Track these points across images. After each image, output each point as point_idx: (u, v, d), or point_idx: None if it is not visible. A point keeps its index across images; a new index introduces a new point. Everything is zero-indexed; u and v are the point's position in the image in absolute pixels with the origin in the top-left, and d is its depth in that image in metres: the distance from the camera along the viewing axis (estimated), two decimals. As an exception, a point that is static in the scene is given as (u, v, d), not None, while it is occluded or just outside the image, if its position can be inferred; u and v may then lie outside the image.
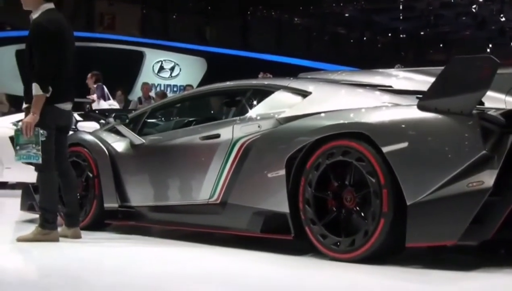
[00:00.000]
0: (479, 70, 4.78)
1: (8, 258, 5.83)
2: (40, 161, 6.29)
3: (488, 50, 40.87)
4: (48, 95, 6.24)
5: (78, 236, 6.54)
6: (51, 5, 6.49)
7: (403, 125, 5.11)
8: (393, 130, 5.10)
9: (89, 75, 15.10)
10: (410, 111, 5.16)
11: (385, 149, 5.01)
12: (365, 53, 38.99)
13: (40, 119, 6.25)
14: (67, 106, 6.49)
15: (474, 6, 32.98)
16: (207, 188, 6.25)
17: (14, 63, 22.68)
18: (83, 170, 7.16)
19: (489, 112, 4.89)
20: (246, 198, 5.98)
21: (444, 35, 40.38)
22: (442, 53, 38.76)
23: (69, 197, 6.63)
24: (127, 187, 7.00)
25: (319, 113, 5.73)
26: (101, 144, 7.18)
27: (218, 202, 6.17)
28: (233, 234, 6.19)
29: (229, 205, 6.10)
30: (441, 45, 41.15)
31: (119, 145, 7.17)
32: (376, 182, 5.05)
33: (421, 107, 5.06)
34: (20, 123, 6.41)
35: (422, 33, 40.02)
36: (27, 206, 7.54)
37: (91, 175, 7.10)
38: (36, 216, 7.12)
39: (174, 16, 32.40)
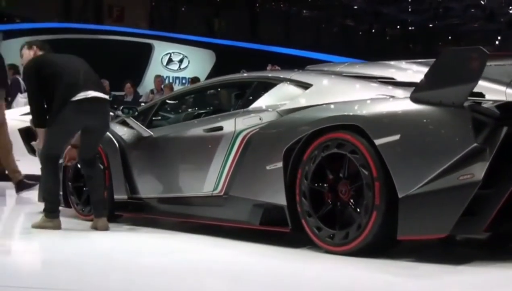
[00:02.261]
0: (469, 61, 4.75)
1: (18, 247, 6.13)
2: None
3: (497, 42, 40.80)
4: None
5: (105, 227, 6.72)
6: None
7: (395, 118, 5.10)
8: (385, 123, 5.10)
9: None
10: (403, 104, 5.14)
11: (377, 141, 5.01)
12: (374, 46, 38.89)
13: (55, 112, 6.65)
14: (86, 94, 6.64)
15: (483, -2, 32.85)
16: (211, 180, 6.29)
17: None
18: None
19: (482, 104, 4.88)
20: (246, 190, 6.02)
21: (453, 27, 40.23)
22: (451, 45, 38.58)
23: (93, 189, 6.84)
24: (136, 178, 7.08)
25: (317, 105, 5.75)
26: (111, 137, 7.26)
27: (221, 194, 6.21)
28: (235, 226, 6.20)
29: (231, 197, 6.14)
30: (449, 37, 41.03)
31: (129, 137, 7.26)
32: (368, 175, 5.05)
33: (413, 99, 5.05)
34: None
35: (430, 25, 39.90)
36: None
37: (102, 167, 7.17)
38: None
39: (183, 9, 32.41)
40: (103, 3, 29.01)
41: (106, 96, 6.84)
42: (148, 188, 7.00)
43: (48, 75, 6.65)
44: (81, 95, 6.56)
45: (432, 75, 5.03)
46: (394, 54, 28.60)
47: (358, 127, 5.17)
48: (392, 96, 5.48)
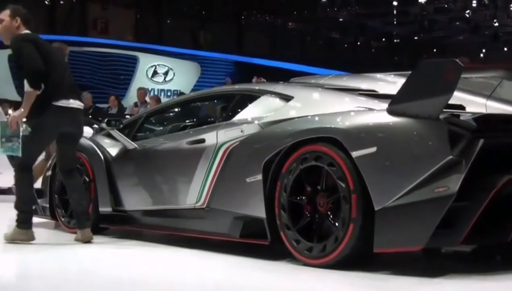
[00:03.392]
0: (444, 74, 4.76)
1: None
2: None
3: (482, 55, 41.04)
4: (39, 92, 6.39)
5: (88, 238, 6.65)
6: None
7: (372, 130, 5.09)
8: (362, 135, 5.08)
9: None
10: (380, 116, 5.13)
11: (354, 154, 4.99)
12: (359, 58, 39.04)
13: (34, 116, 6.44)
14: (68, 103, 6.59)
15: (467, 11, 33.08)
16: (194, 192, 6.27)
17: (7, 66, 22.70)
18: (81, 174, 7.20)
19: (458, 117, 4.88)
20: (227, 203, 6.00)
21: (438, 40, 40.49)
22: (436, 58, 38.79)
23: (74, 199, 6.76)
24: (120, 191, 7.07)
25: (297, 118, 5.75)
26: (97, 149, 7.26)
27: (204, 206, 6.19)
28: (217, 238, 6.20)
29: (212, 210, 6.12)
30: (435, 50, 41.24)
31: (114, 150, 7.25)
32: (345, 187, 5.04)
33: (390, 112, 5.04)
34: (8, 116, 6.51)
35: (416, 38, 40.13)
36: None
37: (87, 179, 7.16)
38: (40, 219, 7.43)
39: (168, 21, 32.43)
40: (87, 15, 29.02)
41: (82, 104, 6.81)
42: (133, 200, 6.99)
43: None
44: (64, 103, 6.52)
45: (408, 88, 5.02)
46: (380, 66, 28.65)
47: (336, 140, 5.16)
48: (371, 109, 5.47)
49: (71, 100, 6.58)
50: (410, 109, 4.90)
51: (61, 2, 28.64)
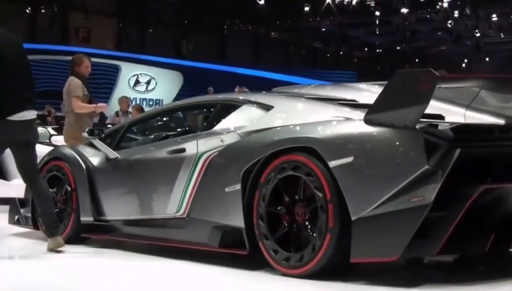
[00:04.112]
0: (420, 83, 4.76)
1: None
2: None
3: (464, 65, 41.24)
4: None
5: (59, 245, 6.59)
6: None
7: (349, 140, 5.08)
8: (339, 145, 5.07)
9: None
10: (357, 126, 5.13)
11: (331, 164, 4.99)
12: (342, 68, 39.14)
13: None
14: (21, 116, 6.47)
15: (449, 21, 33.23)
16: (174, 202, 6.26)
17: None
18: (63, 183, 7.23)
19: (436, 126, 4.87)
20: (206, 213, 5.98)
21: (420, 50, 40.67)
22: (419, 68, 38.94)
23: (42, 208, 6.70)
24: (102, 200, 7.05)
25: (276, 127, 5.74)
26: (79, 159, 7.24)
27: (184, 216, 6.18)
28: (197, 248, 6.16)
29: (192, 220, 6.10)
30: (417, 60, 41.40)
31: (96, 159, 7.23)
32: (323, 197, 5.03)
33: (367, 121, 5.04)
34: None
35: (398, 48, 40.27)
36: (13, 219, 7.71)
37: (69, 189, 7.14)
38: (24, 229, 7.49)
39: (151, 30, 32.41)
40: (69, 24, 28.95)
41: (35, 113, 6.66)
42: (114, 210, 6.97)
43: None
44: (20, 116, 6.41)
45: (385, 97, 5.01)
46: (362, 76, 28.76)
47: (313, 150, 5.15)
48: (349, 118, 5.46)
49: (26, 113, 6.47)
50: (386, 119, 4.90)
51: (43, 10, 28.57)
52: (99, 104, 9.00)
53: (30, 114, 6.53)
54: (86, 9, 29.16)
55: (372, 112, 5.04)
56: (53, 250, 6.56)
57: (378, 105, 5.03)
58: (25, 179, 6.76)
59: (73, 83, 9.10)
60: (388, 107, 4.92)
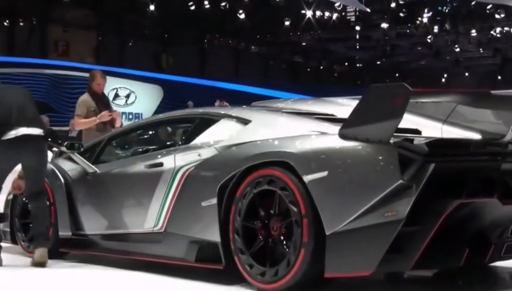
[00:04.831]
0: (393, 98, 4.75)
1: None
2: None
3: (443, 79, 41.45)
4: None
5: (44, 258, 6.65)
6: None
7: (324, 154, 5.07)
8: (314, 159, 5.06)
9: None
10: (332, 140, 5.12)
11: (306, 178, 4.97)
12: (322, 82, 39.24)
13: None
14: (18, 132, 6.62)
15: (429, 36, 33.39)
16: (152, 216, 6.23)
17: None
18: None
19: (410, 141, 4.86)
20: (183, 227, 5.96)
21: (400, 64, 40.84)
22: (399, 82, 39.03)
23: (36, 222, 6.84)
24: (80, 215, 7.02)
25: (253, 141, 5.73)
26: (58, 173, 7.23)
27: (162, 230, 6.15)
28: (173, 263, 6.13)
29: (169, 234, 6.08)
30: (397, 74, 41.56)
31: (74, 173, 7.21)
32: (297, 211, 5.01)
33: (342, 136, 5.03)
34: None
35: (378, 62, 40.41)
36: None
37: (48, 203, 7.10)
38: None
39: (130, 43, 32.35)
40: (48, 37, 28.84)
41: (40, 132, 6.76)
42: (92, 224, 6.95)
43: None
44: (12, 134, 6.49)
45: (359, 112, 5.00)
46: (342, 90, 28.83)
47: (289, 164, 5.14)
48: (324, 133, 5.45)
49: (22, 129, 6.62)
50: (361, 134, 4.89)
51: (21, 23, 28.46)
52: (101, 113, 8.95)
53: (26, 130, 6.64)
54: (65, 22, 29.08)
55: (346, 127, 5.03)
56: (38, 262, 6.56)
57: (352, 119, 5.02)
58: (28, 192, 6.88)
59: (78, 101, 9.15)
60: (363, 122, 4.91)
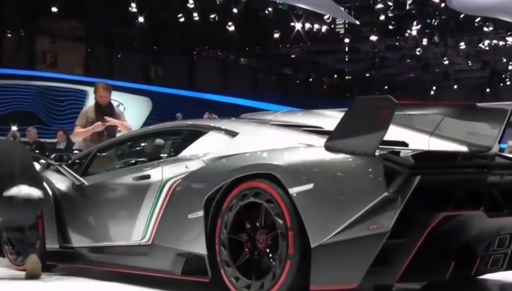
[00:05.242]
0: (378, 110, 4.75)
1: None
2: None
3: (432, 92, 41.53)
4: None
5: (37, 269, 6.67)
6: None
7: (309, 167, 5.07)
8: (299, 172, 5.05)
9: None
10: (317, 152, 5.12)
11: (291, 190, 4.97)
12: (311, 94, 39.26)
13: None
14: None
15: (418, 49, 33.43)
16: (139, 229, 6.21)
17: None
18: None
19: (396, 153, 4.86)
20: (170, 240, 5.95)
21: (389, 77, 40.88)
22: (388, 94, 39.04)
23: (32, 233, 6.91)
24: (68, 227, 6.99)
25: (239, 154, 5.72)
26: (45, 185, 7.17)
27: (149, 243, 6.14)
28: (160, 276, 6.12)
29: (156, 247, 6.07)
30: (386, 87, 41.61)
31: (62, 185, 7.19)
32: (283, 224, 5.00)
33: (327, 148, 5.03)
34: None
35: (367, 74, 40.46)
36: None
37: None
38: None
39: (119, 55, 32.30)
40: (36, 48, 28.77)
41: (40, 195, 6.74)
42: (80, 237, 6.93)
43: None
44: (14, 192, 6.51)
45: (344, 124, 5.01)
46: (332, 102, 28.85)
47: (274, 176, 5.13)
48: (311, 145, 5.45)
49: (23, 187, 6.65)
50: (346, 146, 4.89)
51: (9, 35, 28.39)
52: (95, 123, 9.02)
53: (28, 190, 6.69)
54: (53, 34, 29.02)
55: (332, 139, 5.03)
56: (31, 275, 6.58)
57: (338, 132, 5.03)
58: None
59: (81, 112, 9.25)
60: (348, 134, 4.92)
